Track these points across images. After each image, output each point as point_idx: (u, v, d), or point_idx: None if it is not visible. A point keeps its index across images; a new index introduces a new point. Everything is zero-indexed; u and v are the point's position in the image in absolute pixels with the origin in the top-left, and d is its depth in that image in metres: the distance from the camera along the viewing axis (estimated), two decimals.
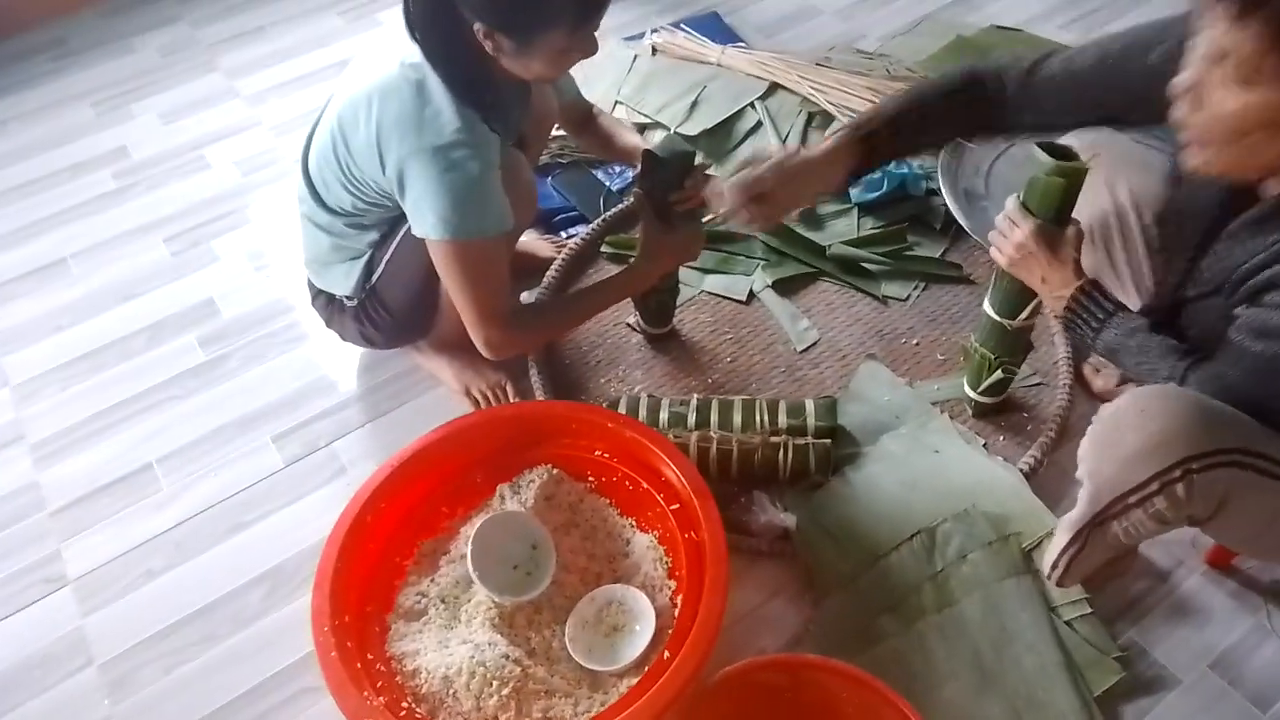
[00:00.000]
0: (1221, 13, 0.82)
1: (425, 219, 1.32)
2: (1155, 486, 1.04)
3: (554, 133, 1.79)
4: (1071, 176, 1.22)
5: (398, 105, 1.29)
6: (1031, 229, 1.25)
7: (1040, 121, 1.26)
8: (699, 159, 1.61)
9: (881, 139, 1.31)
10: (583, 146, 1.82)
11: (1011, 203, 1.30)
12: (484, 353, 1.45)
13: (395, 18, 1.32)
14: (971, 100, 1.29)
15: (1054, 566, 1.29)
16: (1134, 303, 1.38)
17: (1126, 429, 1.05)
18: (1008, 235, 1.29)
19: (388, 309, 1.55)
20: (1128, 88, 1.11)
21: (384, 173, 1.32)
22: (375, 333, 1.60)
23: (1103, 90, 1.14)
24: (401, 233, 1.45)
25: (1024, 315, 1.39)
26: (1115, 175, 1.40)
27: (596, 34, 1.31)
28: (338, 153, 1.39)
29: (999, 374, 1.49)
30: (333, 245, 1.53)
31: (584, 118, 1.73)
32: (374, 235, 1.50)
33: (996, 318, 1.42)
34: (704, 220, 1.82)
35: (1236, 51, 0.83)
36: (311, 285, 1.63)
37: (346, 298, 1.57)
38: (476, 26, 1.24)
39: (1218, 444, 1.01)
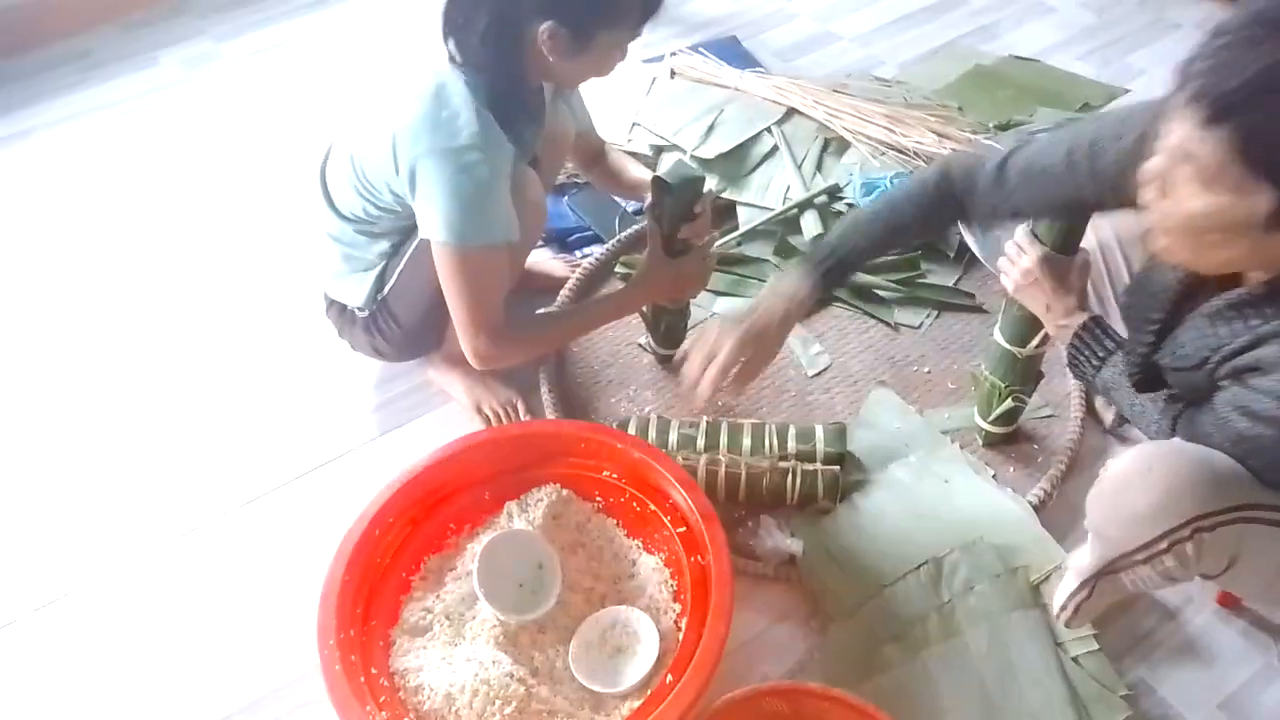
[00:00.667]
0: (1189, 114, 0.81)
1: (431, 220, 1.33)
2: (1164, 545, 1.04)
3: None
4: None
5: (415, 107, 1.31)
6: (1037, 256, 1.27)
7: (1012, 214, 1.25)
8: (709, 184, 1.61)
9: (850, 264, 1.32)
10: (592, 181, 1.84)
11: (1022, 230, 1.32)
12: (472, 361, 1.45)
13: (417, 39, 1.34)
14: (942, 205, 1.28)
15: (1062, 608, 1.28)
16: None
17: (1133, 490, 1.04)
18: (1015, 261, 1.32)
19: (398, 321, 1.56)
20: (1098, 177, 1.10)
21: (397, 173, 1.34)
22: (385, 344, 1.61)
23: (1073, 184, 1.13)
24: (414, 245, 1.47)
25: (1034, 343, 1.39)
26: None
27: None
28: (354, 157, 1.42)
29: (1009, 403, 1.49)
30: (344, 256, 1.54)
31: (595, 153, 1.75)
32: (385, 245, 1.51)
33: (1006, 345, 1.42)
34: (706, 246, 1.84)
35: (1200, 156, 0.82)
36: (325, 296, 1.65)
37: (358, 309, 1.58)
38: (543, 27, 1.27)
39: (1225, 502, 1.00)
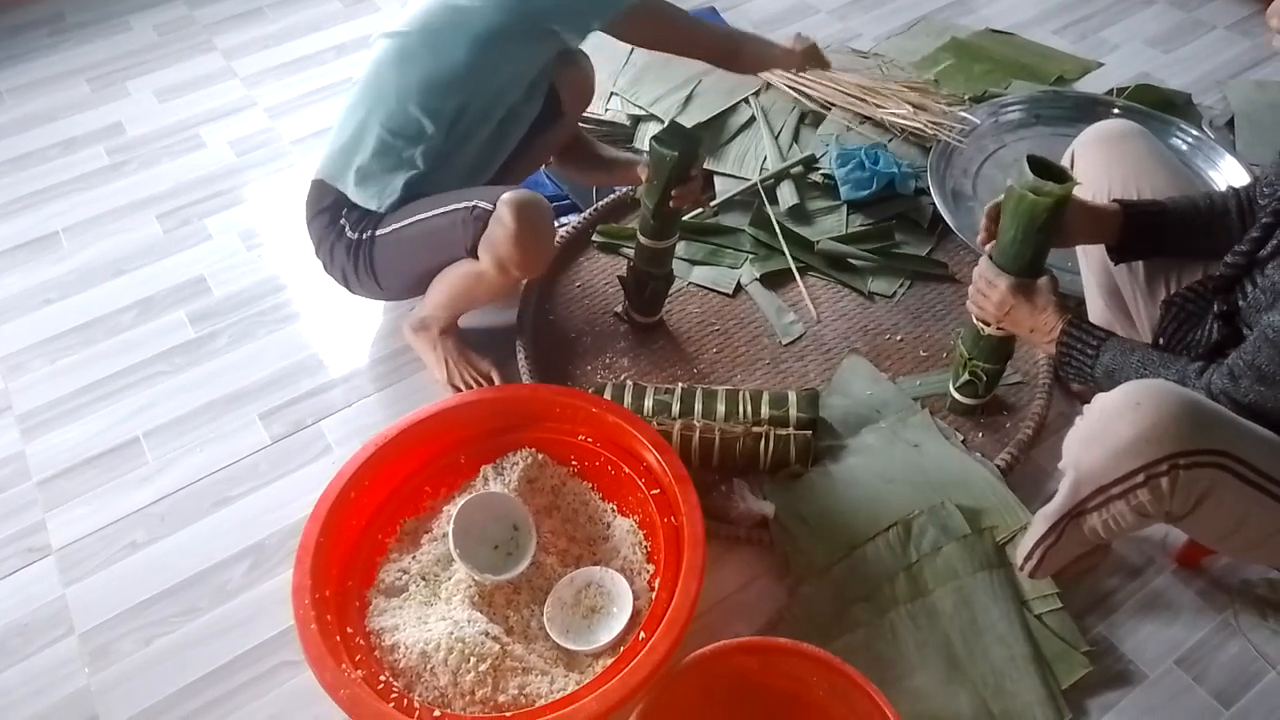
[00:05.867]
0: None
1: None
2: (1141, 479, 1.07)
3: None
4: (1057, 198, 1.23)
5: None
6: (1007, 286, 1.31)
7: None
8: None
9: (1152, 220, 1.31)
10: (573, 171, 1.87)
11: (984, 263, 1.35)
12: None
13: (392, 3, 1.33)
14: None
15: (1028, 558, 1.30)
16: (1145, 331, 1.41)
17: (1119, 420, 1.08)
18: (986, 294, 1.34)
19: (374, 271, 1.56)
20: None
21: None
22: (355, 280, 1.60)
23: None
24: (426, 217, 1.48)
25: (995, 325, 1.41)
26: (1137, 175, 1.40)
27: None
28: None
29: (966, 375, 1.52)
30: (380, 149, 1.51)
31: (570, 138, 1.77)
32: (418, 150, 1.50)
33: (975, 320, 1.44)
34: (690, 215, 1.87)
35: None
36: (318, 198, 1.58)
37: (348, 225, 1.55)
38: None
39: (1207, 443, 1.04)
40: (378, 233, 1.53)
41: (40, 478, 1.59)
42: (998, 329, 1.41)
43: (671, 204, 1.56)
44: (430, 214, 1.48)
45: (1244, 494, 1.06)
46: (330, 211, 1.57)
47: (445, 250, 1.50)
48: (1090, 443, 1.12)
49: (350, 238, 1.55)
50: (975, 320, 1.44)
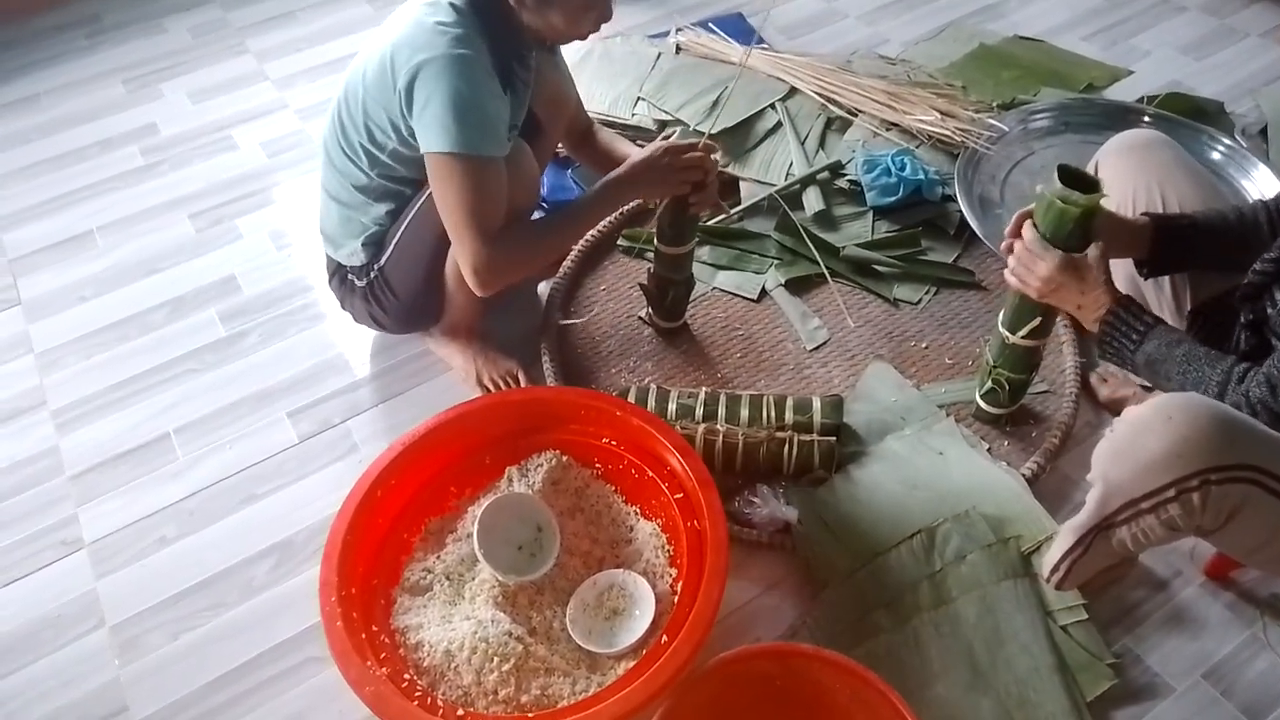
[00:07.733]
0: None
1: (429, 130, 1.33)
2: (1172, 493, 1.06)
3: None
4: (1085, 208, 1.22)
5: (412, 26, 1.33)
6: (1056, 263, 1.25)
7: None
8: (715, 155, 1.62)
9: (1183, 234, 1.30)
10: (583, 163, 1.85)
11: (1030, 234, 1.29)
12: (472, 281, 1.42)
13: None
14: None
15: (1054, 570, 1.30)
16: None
17: (1150, 434, 1.07)
18: (1031, 268, 1.29)
19: (394, 292, 1.58)
20: None
21: (394, 91, 1.35)
22: (384, 315, 1.63)
23: None
24: (409, 216, 1.49)
25: (1022, 333, 1.40)
26: (1162, 185, 1.39)
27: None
28: (357, 89, 1.42)
29: (990, 383, 1.51)
30: (343, 218, 1.56)
31: (583, 132, 1.75)
32: (380, 210, 1.52)
33: (1000, 328, 1.44)
34: (711, 220, 1.86)
35: None
36: (328, 263, 1.66)
37: (355, 278, 1.60)
38: None
39: (1239, 458, 1.03)
40: (381, 263, 1.56)
41: (73, 472, 1.62)
42: (1023, 339, 1.40)
43: (690, 210, 1.55)
44: (413, 211, 1.49)
45: (1276, 509, 1.05)
46: (338, 274, 1.65)
47: (436, 227, 1.46)
48: (1120, 456, 1.11)
49: (361, 286, 1.61)
50: (1000, 327, 1.43)
